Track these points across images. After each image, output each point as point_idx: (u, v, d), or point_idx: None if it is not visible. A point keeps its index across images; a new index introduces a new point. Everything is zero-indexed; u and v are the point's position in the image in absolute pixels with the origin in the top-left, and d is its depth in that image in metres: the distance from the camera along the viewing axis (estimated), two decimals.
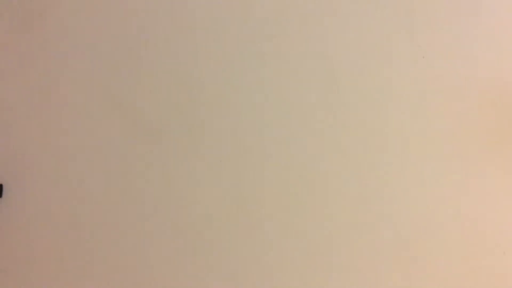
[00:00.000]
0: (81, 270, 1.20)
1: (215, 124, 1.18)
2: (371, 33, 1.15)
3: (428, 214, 1.15)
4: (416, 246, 1.15)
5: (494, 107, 1.13)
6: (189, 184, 1.20)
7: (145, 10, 1.21)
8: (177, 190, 1.20)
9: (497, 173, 1.12)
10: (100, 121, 1.20)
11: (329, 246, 1.17)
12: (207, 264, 1.19)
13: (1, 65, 1.22)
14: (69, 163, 1.21)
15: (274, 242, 1.17)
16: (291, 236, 1.17)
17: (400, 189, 1.15)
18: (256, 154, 1.18)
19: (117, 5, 1.21)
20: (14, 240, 1.22)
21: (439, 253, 1.14)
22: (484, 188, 1.13)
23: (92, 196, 1.20)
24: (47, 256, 1.21)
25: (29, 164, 1.22)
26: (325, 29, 1.17)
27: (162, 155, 1.19)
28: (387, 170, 1.15)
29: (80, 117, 1.20)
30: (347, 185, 1.16)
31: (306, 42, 1.18)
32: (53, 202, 1.21)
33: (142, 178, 1.20)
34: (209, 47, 1.19)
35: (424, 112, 1.14)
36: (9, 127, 1.22)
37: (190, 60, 1.20)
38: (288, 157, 1.18)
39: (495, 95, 1.13)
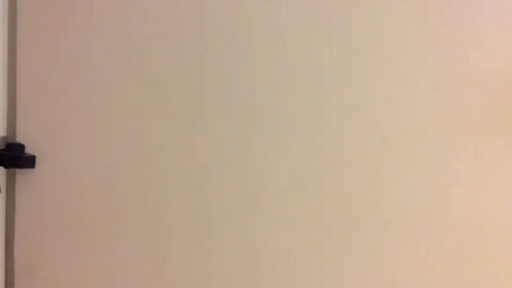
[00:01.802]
0: (111, 241, 1.22)
1: (215, 124, 1.19)
2: (373, 27, 1.15)
3: (431, 207, 1.15)
4: (418, 241, 1.15)
5: (501, 101, 1.13)
6: (191, 179, 1.21)
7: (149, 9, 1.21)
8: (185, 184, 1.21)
9: (503, 166, 1.13)
10: (129, 96, 1.21)
11: (327, 243, 1.18)
12: (209, 261, 1.21)
13: (37, 39, 1.22)
14: (101, 136, 1.21)
15: (275, 240, 1.18)
16: (293, 233, 1.18)
17: (403, 184, 1.15)
18: (258, 152, 1.19)
19: (124, 6, 1.22)
20: (46, 212, 1.23)
21: (439, 246, 1.15)
22: (489, 183, 1.13)
23: (124, 170, 1.21)
24: (78, 228, 1.22)
25: (62, 136, 1.22)
26: (325, 27, 1.17)
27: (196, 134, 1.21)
28: (390, 164, 1.16)
29: (112, 92, 1.21)
30: (349, 179, 1.17)
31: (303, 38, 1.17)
32: (85, 174, 1.22)
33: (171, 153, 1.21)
34: (207, 45, 1.19)
35: (427, 106, 1.14)
36: (43, 99, 1.22)
37: (191, 57, 1.20)
38: (291, 153, 1.18)
39: (501, 89, 1.12)
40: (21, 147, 1.19)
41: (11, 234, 1.23)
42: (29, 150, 1.21)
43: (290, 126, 1.18)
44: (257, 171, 1.19)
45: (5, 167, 1.19)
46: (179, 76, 1.20)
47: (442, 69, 1.13)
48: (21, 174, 1.22)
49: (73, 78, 1.22)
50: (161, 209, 1.21)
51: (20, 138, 1.21)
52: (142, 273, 1.22)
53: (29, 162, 1.20)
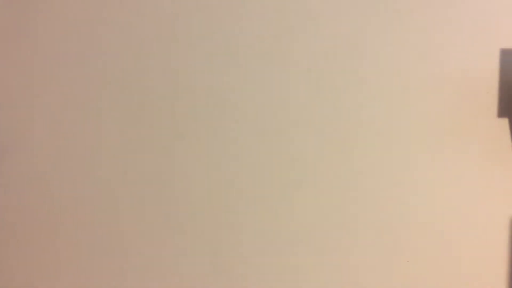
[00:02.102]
0: (76, 241, 1.22)
1: (209, 124, 1.20)
2: (352, 28, 1.17)
3: (402, 206, 1.16)
4: (382, 241, 1.16)
5: (464, 105, 1.14)
6: (184, 180, 1.21)
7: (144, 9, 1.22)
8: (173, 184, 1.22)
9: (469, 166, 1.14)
10: (96, 92, 1.22)
11: (318, 242, 1.19)
12: (204, 261, 1.21)
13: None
14: (62, 134, 1.22)
15: (271, 242, 1.19)
16: (287, 235, 1.19)
17: (368, 186, 1.17)
18: (252, 153, 1.19)
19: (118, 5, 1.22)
20: (6, 212, 1.23)
21: (398, 247, 1.16)
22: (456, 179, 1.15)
23: (85, 168, 1.21)
24: (37, 225, 1.22)
25: (22, 135, 1.22)
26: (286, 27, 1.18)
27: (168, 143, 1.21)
28: (357, 167, 1.17)
29: (74, 90, 1.22)
30: (326, 179, 1.17)
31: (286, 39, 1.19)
32: (47, 173, 1.22)
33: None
34: (202, 46, 1.20)
35: (406, 108, 1.15)
36: (2, 98, 1.22)
37: (184, 58, 1.21)
38: (281, 155, 1.19)
39: (463, 93, 1.13)
40: None
41: None
42: None
43: (281, 131, 1.19)
44: (236, 174, 1.19)
45: None
46: (139, 73, 1.21)
47: (408, 74, 1.15)
48: None
49: (34, 76, 1.22)
50: (126, 206, 1.21)
51: None
52: (104, 273, 1.23)
53: None
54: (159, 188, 1.21)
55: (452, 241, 1.14)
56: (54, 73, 1.22)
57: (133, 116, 1.21)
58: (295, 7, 1.17)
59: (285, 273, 1.19)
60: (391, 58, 1.15)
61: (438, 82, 1.13)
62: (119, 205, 1.22)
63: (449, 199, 1.13)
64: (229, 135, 1.19)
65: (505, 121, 1.11)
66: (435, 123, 1.14)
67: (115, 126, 1.21)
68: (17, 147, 1.23)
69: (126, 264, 1.22)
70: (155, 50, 1.20)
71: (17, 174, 1.23)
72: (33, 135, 1.23)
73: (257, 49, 1.18)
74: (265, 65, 1.18)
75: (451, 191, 1.14)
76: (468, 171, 1.13)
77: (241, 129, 1.19)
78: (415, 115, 1.14)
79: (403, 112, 1.15)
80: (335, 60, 1.16)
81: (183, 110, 1.20)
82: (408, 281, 1.15)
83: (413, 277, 1.15)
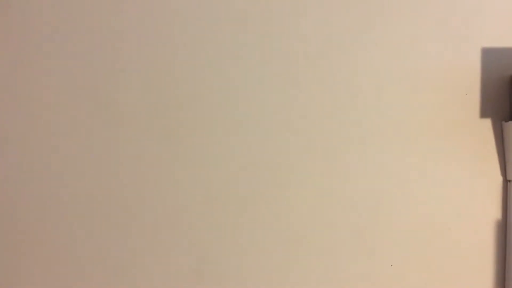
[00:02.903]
0: (81, 241, 1.22)
1: (206, 125, 1.20)
2: (323, 27, 1.17)
3: (376, 209, 1.16)
4: (364, 243, 1.16)
5: (443, 102, 1.15)
6: (183, 182, 1.20)
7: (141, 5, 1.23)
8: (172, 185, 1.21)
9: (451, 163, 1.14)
10: (104, 93, 1.23)
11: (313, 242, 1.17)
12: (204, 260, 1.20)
13: None
14: (73, 134, 1.22)
15: (268, 243, 1.18)
16: (284, 236, 1.18)
17: (349, 187, 1.16)
18: (250, 152, 1.18)
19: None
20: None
21: (383, 248, 1.15)
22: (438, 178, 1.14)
23: (94, 166, 1.22)
24: (48, 226, 1.22)
25: (32, 132, 1.22)
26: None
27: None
28: (336, 168, 1.17)
29: (59, 90, 1.22)
30: (315, 180, 1.17)
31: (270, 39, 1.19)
32: (29, 174, 1.22)
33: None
34: (202, 45, 1.21)
35: (371, 108, 1.16)
36: (13, 97, 1.22)
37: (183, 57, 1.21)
38: (276, 155, 1.18)
39: (444, 90, 1.14)
40: None
41: None
42: None
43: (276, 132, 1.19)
44: (232, 174, 1.19)
45: None
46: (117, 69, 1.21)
47: (385, 71, 1.16)
48: None
49: (20, 76, 1.23)
50: (136, 207, 1.21)
51: None
52: (119, 272, 1.21)
53: None
54: (157, 187, 1.22)
55: (437, 242, 1.14)
56: (51, 71, 1.23)
57: (134, 116, 1.22)
58: (284, 4, 1.18)
59: (281, 273, 1.18)
60: (374, 58, 1.16)
61: (419, 82, 1.14)
62: (117, 205, 1.22)
63: (433, 199, 1.13)
64: (223, 135, 1.19)
65: (488, 121, 1.13)
66: (416, 124, 1.15)
67: (115, 127, 1.22)
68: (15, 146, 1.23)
69: (124, 264, 1.22)
70: (158, 49, 1.22)
71: (15, 173, 1.23)
72: (29, 134, 1.23)
73: (257, 49, 1.19)
74: (262, 65, 1.19)
75: (435, 192, 1.14)
76: (452, 171, 1.14)
77: (236, 129, 1.19)
78: (398, 115, 1.15)
79: (385, 113, 1.15)
80: (305, 64, 1.17)
81: (180, 109, 1.21)
82: (396, 282, 1.15)
83: (400, 278, 1.15)
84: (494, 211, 1.13)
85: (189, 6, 1.25)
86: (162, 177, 1.24)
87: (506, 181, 1.11)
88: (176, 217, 1.24)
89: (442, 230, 1.14)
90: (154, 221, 1.24)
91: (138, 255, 1.24)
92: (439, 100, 1.14)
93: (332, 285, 1.18)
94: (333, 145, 1.18)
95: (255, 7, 1.22)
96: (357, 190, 1.17)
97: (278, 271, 1.20)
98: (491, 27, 1.14)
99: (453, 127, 1.14)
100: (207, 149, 1.23)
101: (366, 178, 1.17)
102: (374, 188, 1.16)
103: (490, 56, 1.13)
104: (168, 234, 1.23)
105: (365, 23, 1.16)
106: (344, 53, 1.18)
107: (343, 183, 1.18)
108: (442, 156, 1.14)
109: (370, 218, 1.17)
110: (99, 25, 1.26)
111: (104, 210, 1.25)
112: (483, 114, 1.12)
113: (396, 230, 1.16)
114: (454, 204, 1.14)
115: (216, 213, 1.22)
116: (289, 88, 1.19)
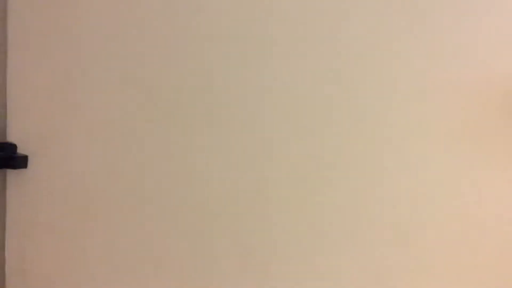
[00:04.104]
0: (103, 239, 1.21)
1: (227, 122, 1.20)
2: (371, 30, 1.17)
3: (419, 208, 1.17)
4: (407, 241, 1.18)
5: (484, 106, 1.15)
6: (187, 180, 1.21)
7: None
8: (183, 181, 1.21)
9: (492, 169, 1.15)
10: (124, 94, 1.21)
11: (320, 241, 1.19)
12: (206, 262, 1.21)
13: (27, 39, 1.21)
14: (93, 135, 1.21)
15: (276, 241, 1.19)
16: (288, 234, 1.19)
17: (393, 186, 1.17)
18: (260, 151, 1.19)
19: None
20: (38, 212, 1.22)
21: (427, 246, 1.17)
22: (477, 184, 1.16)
23: (117, 169, 1.21)
24: (70, 228, 1.22)
25: (54, 136, 1.21)
26: (324, 28, 1.18)
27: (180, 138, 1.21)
28: (381, 166, 1.17)
29: (105, 92, 1.21)
30: (343, 179, 1.18)
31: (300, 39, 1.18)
32: (78, 174, 1.21)
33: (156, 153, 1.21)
34: (213, 44, 1.19)
35: (424, 110, 1.16)
36: (34, 99, 1.21)
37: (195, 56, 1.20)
38: (289, 154, 1.19)
39: (484, 94, 1.14)
40: (13, 147, 1.18)
41: (2, 235, 1.22)
42: (21, 150, 1.20)
43: (284, 129, 1.19)
44: (254, 172, 1.19)
45: None
46: (173, 76, 1.20)
47: (429, 75, 1.15)
48: (13, 174, 1.21)
49: (65, 78, 1.21)
50: (155, 209, 1.21)
51: (11, 138, 1.20)
52: (136, 272, 1.22)
53: (21, 162, 1.19)
54: (169, 186, 1.21)
55: (461, 240, 1.15)
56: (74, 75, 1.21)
57: (144, 115, 1.21)
58: (312, 8, 1.17)
59: (303, 273, 1.19)
60: (409, 60, 1.16)
61: (455, 84, 1.15)
62: (125, 205, 1.22)
63: (461, 200, 1.15)
64: (244, 135, 1.19)
65: None
66: (448, 126, 1.15)
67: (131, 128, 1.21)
68: (47, 150, 1.22)
69: (133, 264, 1.22)
70: (167, 48, 1.20)
71: (45, 176, 1.22)
72: (63, 136, 1.22)
73: (274, 49, 1.18)
74: (280, 65, 1.18)
75: (465, 192, 1.15)
76: (481, 173, 1.15)
77: (256, 129, 1.19)
78: (429, 118, 1.16)
79: (420, 115, 1.16)
80: (353, 63, 1.17)
81: (193, 109, 1.20)
82: (421, 280, 1.17)
83: (425, 276, 1.16)
84: None
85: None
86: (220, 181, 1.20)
87: None
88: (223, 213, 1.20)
89: (470, 228, 1.15)
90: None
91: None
92: (472, 105, 1.14)
93: (372, 276, 1.18)
94: (368, 148, 1.17)
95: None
96: (402, 190, 1.16)
97: (308, 269, 1.18)
98: None
99: (485, 130, 1.15)
100: (242, 151, 1.18)
101: (397, 176, 1.16)
102: (406, 189, 1.16)
103: None
104: (193, 235, 1.20)
105: (404, 27, 1.15)
106: (387, 57, 1.16)
107: (380, 184, 1.17)
108: (474, 156, 1.15)
109: (401, 216, 1.16)
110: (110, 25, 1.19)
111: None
112: None
113: (424, 228, 1.16)
114: (483, 202, 1.15)
115: (246, 213, 1.19)
116: (325, 91, 1.17)
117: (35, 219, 1.22)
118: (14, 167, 1.18)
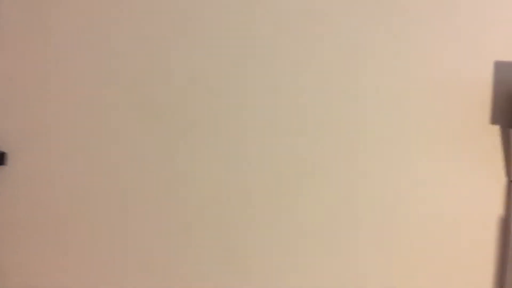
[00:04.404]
0: (82, 238, 1.16)
1: (213, 123, 1.17)
2: (354, 32, 1.15)
3: (396, 206, 1.17)
4: (386, 239, 1.17)
5: (460, 108, 1.15)
6: (188, 178, 1.18)
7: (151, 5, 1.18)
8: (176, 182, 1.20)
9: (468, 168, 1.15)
10: (103, 92, 1.16)
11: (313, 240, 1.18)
12: (204, 258, 1.19)
13: (10, 41, 1.15)
14: (72, 134, 1.16)
15: (274, 241, 1.18)
16: (272, 234, 1.18)
17: (372, 186, 1.17)
18: (243, 152, 1.17)
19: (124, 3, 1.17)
20: (16, 208, 1.17)
21: (405, 243, 1.16)
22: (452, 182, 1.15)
23: (95, 168, 1.15)
24: (49, 226, 1.17)
25: (32, 134, 1.17)
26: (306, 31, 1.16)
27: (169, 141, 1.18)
28: (360, 167, 1.17)
29: (84, 88, 1.16)
30: (327, 181, 1.17)
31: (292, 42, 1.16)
32: (56, 172, 1.16)
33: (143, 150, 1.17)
34: (211, 44, 1.17)
35: (404, 114, 1.15)
36: (13, 98, 1.16)
37: (193, 56, 1.18)
38: (282, 154, 1.18)
39: (459, 96, 1.14)
40: None
41: None
42: None
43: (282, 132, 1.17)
44: (238, 173, 1.18)
45: None
46: (154, 74, 1.18)
47: (404, 82, 1.15)
48: None
49: (43, 76, 1.18)
50: (135, 207, 1.19)
51: None
52: (116, 270, 1.19)
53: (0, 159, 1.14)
54: (167, 187, 1.18)
55: (444, 240, 1.15)
56: (60, 73, 1.17)
57: (142, 115, 1.18)
58: (299, 9, 1.15)
59: (288, 272, 1.18)
60: (390, 65, 1.16)
61: (435, 90, 1.15)
62: (125, 204, 1.19)
63: (442, 200, 1.15)
64: (235, 136, 1.17)
65: (496, 128, 1.14)
66: (430, 128, 1.15)
67: (127, 126, 1.18)
68: (25, 147, 1.18)
69: (133, 263, 1.19)
70: (166, 49, 1.18)
71: (23, 174, 1.17)
72: (42, 135, 1.17)
73: (268, 51, 1.17)
74: (263, 68, 1.17)
75: (444, 193, 1.15)
76: (461, 174, 1.15)
77: (248, 129, 1.17)
78: (411, 121, 1.15)
79: (400, 117, 1.16)
80: (335, 67, 1.16)
81: (192, 110, 1.18)
82: (404, 279, 1.15)
83: (408, 274, 1.16)
84: (498, 209, 1.13)
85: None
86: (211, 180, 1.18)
87: (510, 182, 1.13)
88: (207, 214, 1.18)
89: (450, 227, 1.14)
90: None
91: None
92: (453, 108, 1.14)
93: (354, 276, 1.16)
94: (351, 149, 1.16)
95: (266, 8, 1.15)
96: (372, 189, 1.16)
97: (296, 268, 1.16)
98: (503, 42, 1.13)
99: (465, 133, 1.15)
100: (233, 151, 1.17)
101: (380, 178, 1.16)
102: (388, 187, 1.16)
103: (502, 68, 1.13)
104: (191, 233, 1.16)
105: (386, 36, 1.14)
106: (365, 64, 1.15)
107: (363, 185, 1.16)
108: (453, 158, 1.15)
109: (383, 215, 1.15)
110: (110, 25, 1.17)
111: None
112: (493, 121, 1.14)
113: (406, 228, 1.15)
114: (463, 203, 1.14)
115: (241, 213, 1.17)
116: (310, 93, 1.16)
117: (13, 216, 1.19)
118: None
